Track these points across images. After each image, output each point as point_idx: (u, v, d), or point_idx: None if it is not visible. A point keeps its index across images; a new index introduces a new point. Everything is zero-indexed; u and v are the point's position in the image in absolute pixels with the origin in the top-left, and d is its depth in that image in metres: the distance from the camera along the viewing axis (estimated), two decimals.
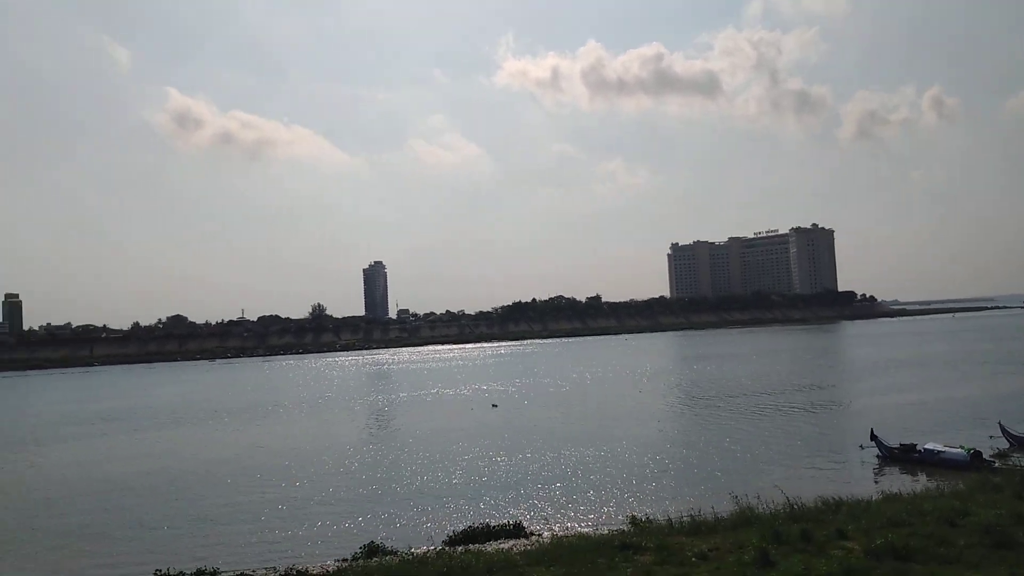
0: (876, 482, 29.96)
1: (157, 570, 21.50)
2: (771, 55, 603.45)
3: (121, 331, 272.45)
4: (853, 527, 18.44)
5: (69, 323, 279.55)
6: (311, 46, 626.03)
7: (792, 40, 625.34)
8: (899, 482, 28.76)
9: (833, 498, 22.25)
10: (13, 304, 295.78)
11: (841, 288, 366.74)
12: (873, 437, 35.38)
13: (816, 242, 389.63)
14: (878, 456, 34.71)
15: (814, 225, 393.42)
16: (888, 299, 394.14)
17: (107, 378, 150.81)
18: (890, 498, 22.81)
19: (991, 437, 37.28)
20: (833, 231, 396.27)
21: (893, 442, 34.93)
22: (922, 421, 44.12)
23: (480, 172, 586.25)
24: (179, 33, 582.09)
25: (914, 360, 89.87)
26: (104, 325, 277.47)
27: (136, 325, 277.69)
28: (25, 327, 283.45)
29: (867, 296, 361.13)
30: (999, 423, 38.01)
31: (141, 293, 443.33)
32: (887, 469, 32.89)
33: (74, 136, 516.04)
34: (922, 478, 30.14)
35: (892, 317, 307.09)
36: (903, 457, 33.62)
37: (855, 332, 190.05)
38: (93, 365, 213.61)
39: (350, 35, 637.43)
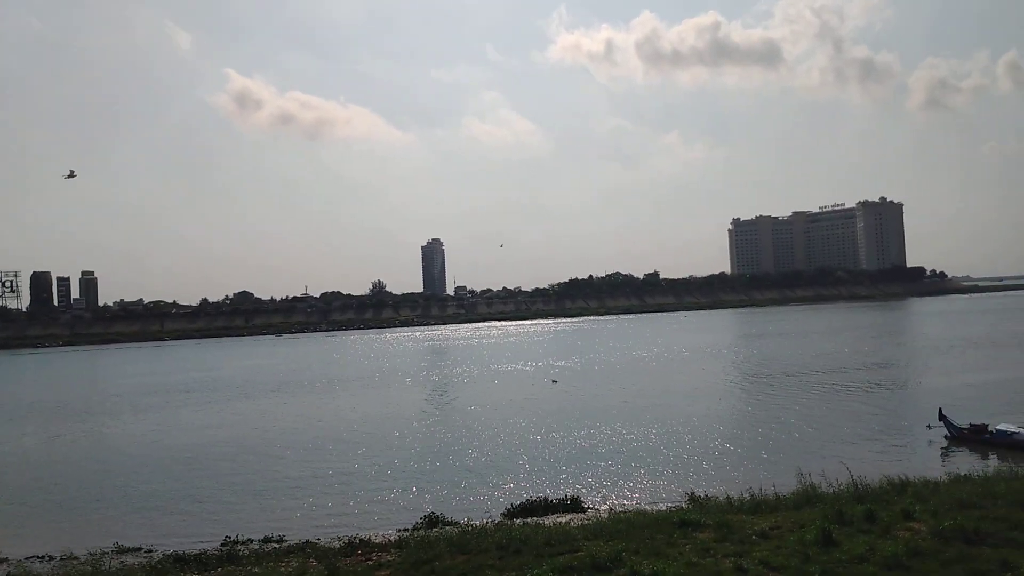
0: (944, 463, 29.21)
1: (227, 537, 22.41)
2: (834, 22, 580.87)
3: (190, 307, 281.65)
4: (920, 508, 18.01)
5: (141, 299, 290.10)
6: (364, 26, 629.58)
7: (856, 6, 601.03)
8: (969, 463, 27.97)
9: (899, 478, 21.75)
10: (89, 281, 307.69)
11: (910, 264, 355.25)
12: (941, 417, 34.39)
13: (884, 216, 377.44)
14: (946, 436, 33.76)
15: (882, 199, 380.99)
16: (959, 275, 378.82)
17: (178, 352, 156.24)
18: (959, 480, 22.18)
19: None
20: (902, 204, 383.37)
21: (962, 422, 33.88)
22: (993, 401, 42.62)
23: (534, 148, 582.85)
24: (236, 15, 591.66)
25: (985, 339, 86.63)
26: (174, 301, 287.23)
27: (204, 301, 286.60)
28: (100, 303, 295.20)
29: (937, 272, 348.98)
30: None
31: (210, 271, 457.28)
32: (956, 450, 32.00)
33: (142, 119, 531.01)
34: (993, 460, 29.24)
35: (963, 294, 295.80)
36: (973, 438, 32.62)
37: (924, 309, 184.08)
38: (164, 339, 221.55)
39: (403, 14, 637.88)
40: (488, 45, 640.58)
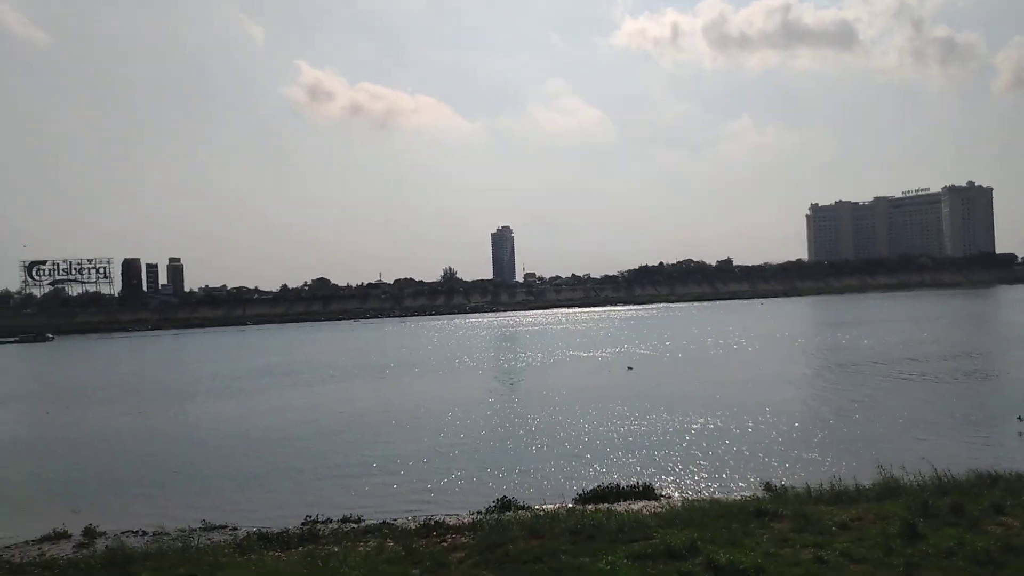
0: None
1: (307, 516, 23.10)
2: (913, 1, 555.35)
3: (271, 293, 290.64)
4: (1012, 503, 17.30)
5: (224, 285, 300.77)
6: (427, 15, 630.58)
7: None
8: None
9: (988, 472, 20.87)
10: (175, 267, 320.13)
11: (999, 251, 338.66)
12: None
13: (972, 201, 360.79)
14: None
15: (970, 183, 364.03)
16: None
17: (260, 336, 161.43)
18: None
19: None
20: (992, 189, 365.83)
21: None
22: None
23: (601, 135, 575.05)
24: (303, 7, 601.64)
25: None
26: (256, 287, 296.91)
27: (284, 287, 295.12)
28: (186, 289, 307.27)
29: None
30: None
31: (288, 258, 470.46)
32: None
33: (221, 111, 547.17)
34: None
35: None
36: None
37: (1014, 297, 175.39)
38: (246, 324, 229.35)
39: (464, 2, 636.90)
40: (551, 32, 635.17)
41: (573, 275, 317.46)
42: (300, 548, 19.00)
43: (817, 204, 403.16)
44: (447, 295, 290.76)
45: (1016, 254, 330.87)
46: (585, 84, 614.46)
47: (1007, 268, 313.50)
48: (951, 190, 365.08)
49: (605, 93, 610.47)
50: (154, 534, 22.07)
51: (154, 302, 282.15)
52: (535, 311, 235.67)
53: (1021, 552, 14.18)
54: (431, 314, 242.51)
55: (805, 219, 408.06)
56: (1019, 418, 33.77)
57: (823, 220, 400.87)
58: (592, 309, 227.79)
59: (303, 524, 22.11)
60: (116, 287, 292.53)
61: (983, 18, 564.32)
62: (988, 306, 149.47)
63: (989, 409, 38.53)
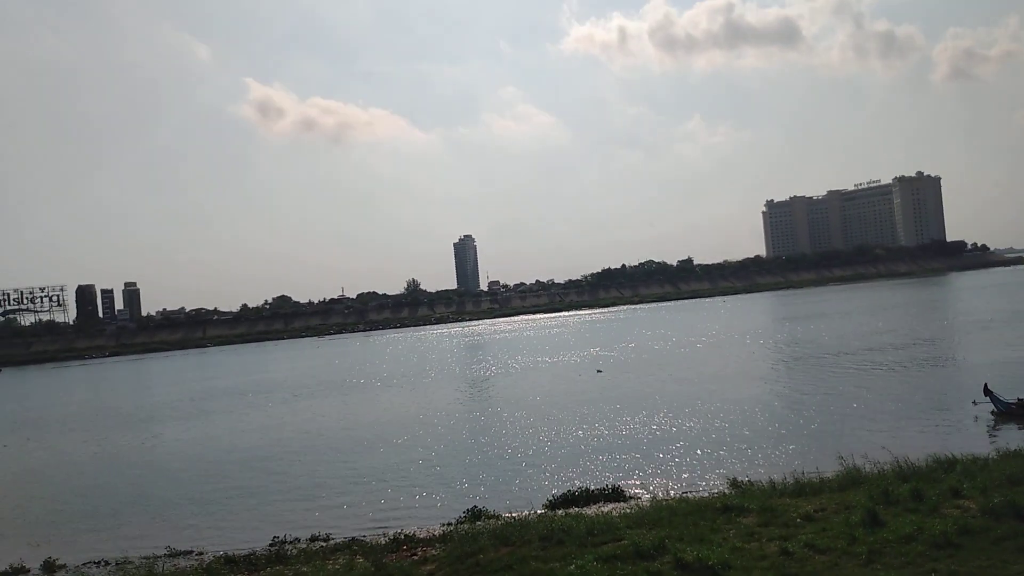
0: (992, 439, 28.56)
1: (275, 537, 22.81)
2: None
3: (231, 313, 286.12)
4: (968, 486, 17.72)
5: (183, 307, 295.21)
6: (376, 27, 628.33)
7: None
8: (1018, 439, 27.25)
9: (945, 456, 21.37)
10: (132, 292, 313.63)
11: (950, 239, 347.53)
12: (987, 392, 33.64)
13: (921, 191, 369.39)
14: (993, 412, 33.02)
15: (919, 173, 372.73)
16: (1002, 247, 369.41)
17: (222, 358, 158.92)
18: (1009, 455, 21.70)
19: None
20: (940, 178, 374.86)
21: (1010, 397, 33.13)
22: None
23: (555, 141, 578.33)
24: (247, 24, 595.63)
25: None
26: (215, 308, 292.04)
27: (244, 307, 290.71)
28: (143, 313, 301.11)
29: (978, 245, 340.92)
30: None
31: (247, 277, 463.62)
32: (1003, 426, 31.30)
33: (171, 132, 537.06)
34: None
35: (1007, 266, 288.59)
36: (1021, 413, 31.89)
37: (965, 284, 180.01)
38: (206, 346, 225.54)
39: (413, 13, 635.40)
40: (501, 41, 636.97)
41: (537, 281, 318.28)
42: (268, 569, 18.76)
43: (772, 200, 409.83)
44: (411, 307, 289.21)
45: (966, 241, 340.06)
46: (538, 91, 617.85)
47: (958, 255, 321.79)
48: (901, 181, 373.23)
49: (558, 99, 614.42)
50: (117, 563, 21.62)
51: (111, 328, 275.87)
52: (501, 319, 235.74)
53: (978, 534, 14.54)
54: (396, 327, 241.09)
55: (761, 215, 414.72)
56: (973, 402, 34.58)
57: (778, 216, 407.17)
58: (557, 314, 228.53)
59: (271, 545, 21.84)
60: (71, 315, 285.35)
61: (920, 11, 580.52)
62: (940, 294, 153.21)
63: (945, 395, 39.49)
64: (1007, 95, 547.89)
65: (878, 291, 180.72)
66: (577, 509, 21.81)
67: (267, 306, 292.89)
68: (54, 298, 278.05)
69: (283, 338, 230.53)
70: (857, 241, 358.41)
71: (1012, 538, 14.19)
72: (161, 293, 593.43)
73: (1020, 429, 30.32)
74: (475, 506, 23.58)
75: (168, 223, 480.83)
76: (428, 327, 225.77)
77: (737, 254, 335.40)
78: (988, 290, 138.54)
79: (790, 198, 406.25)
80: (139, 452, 45.68)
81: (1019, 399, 32.65)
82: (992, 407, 33.28)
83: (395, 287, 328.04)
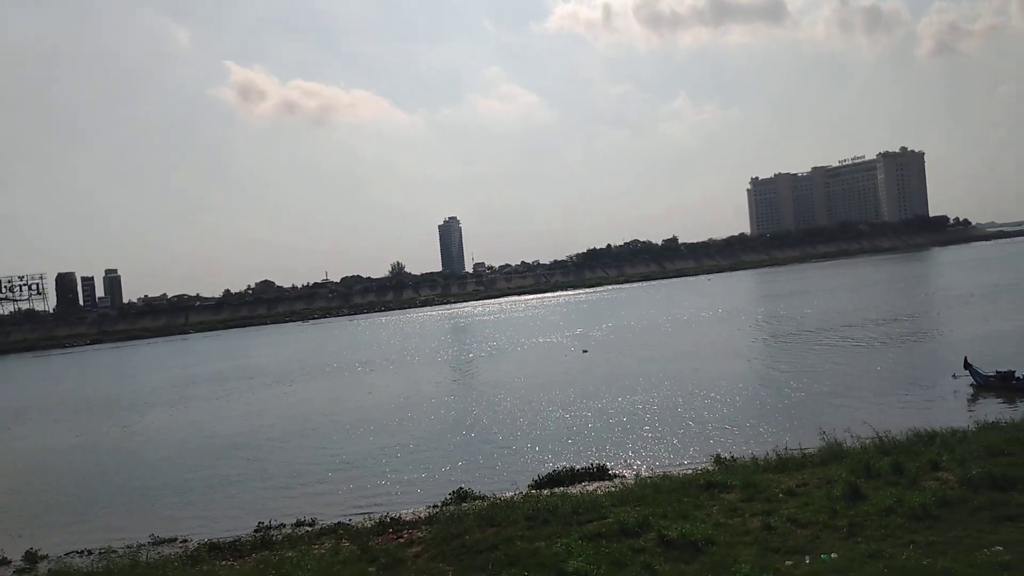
0: (971, 412, 28.92)
1: (260, 523, 22.75)
2: None
3: (213, 299, 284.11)
4: (947, 458, 17.94)
5: (164, 294, 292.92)
6: (358, 8, 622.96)
7: None
8: (996, 411, 27.65)
9: (925, 430, 21.63)
10: (113, 279, 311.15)
11: (932, 214, 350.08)
12: (967, 366, 34.04)
13: (905, 167, 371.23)
14: (972, 385, 33.44)
15: (903, 149, 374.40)
16: (984, 222, 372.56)
17: (205, 344, 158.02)
18: (987, 428, 22.02)
19: None
20: (923, 154, 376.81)
21: (989, 370, 33.50)
22: (1021, 348, 42.02)
23: (541, 120, 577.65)
24: (229, 7, 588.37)
25: (1011, 285, 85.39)
26: (197, 294, 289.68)
27: (227, 292, 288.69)
28: (124, 300, 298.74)
29: (960, 220, 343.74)
30: None
31: (229, 262, 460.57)
32: (983, 399, 31.69)
33: (151, 116, 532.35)
34: (1022, 406, 28.92)
35: (988, 240, 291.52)
36: (1000, 385, 32.26)
37: (947, 259, 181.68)
38: (189, 332, 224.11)
39: None
40: (485, 20, 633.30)
41: (523, 262, 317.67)
42: (254, 555, 18.72)
43: (757, 178, 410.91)
44: (396, 290, 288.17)
45: (948, 216, 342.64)
46: (522, 70, 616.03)
47: (940, 231, 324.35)
48: (885, 157, 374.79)
49: (543, 78, 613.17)
50: (100, 552, 21.49)
51: (92, 316, 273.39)
52: (486, 300, 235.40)
53: (956, 505, 14.71)
54: (381, 310, 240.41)
55: (746, 193, 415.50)
56: (953, 376, 34.99)
57: (763, 193, 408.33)
58: (543, 295, 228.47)
59: (256, 531, 21.79)
60: (51, 303, 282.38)
61: None
62: (922, 269, 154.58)
63: (925, 369, 39.87)
64: (991, 70, 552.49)
65: (861, 267, 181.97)
66: (562, 489, 21.92)
67: (250, 291, 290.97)
68: (34, 286, 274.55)
69: (267, 323, 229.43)
70: (841, 217, 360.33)
71: (989, 508, 14.37)
72: (142, 280, 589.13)
73: (998, 401, 30.69)
74: (461, 488, 23.61)
75: (148, 208, 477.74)
76: (413, 310, 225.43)
77: (723, 232, 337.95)
78: (969, 265, 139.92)
79: (775, 175, 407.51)
80: (121, 440, 45.38)
81: (998, 372, 33.01)
82: (972, 380, 33.66)
83: (379, 270, 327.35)
